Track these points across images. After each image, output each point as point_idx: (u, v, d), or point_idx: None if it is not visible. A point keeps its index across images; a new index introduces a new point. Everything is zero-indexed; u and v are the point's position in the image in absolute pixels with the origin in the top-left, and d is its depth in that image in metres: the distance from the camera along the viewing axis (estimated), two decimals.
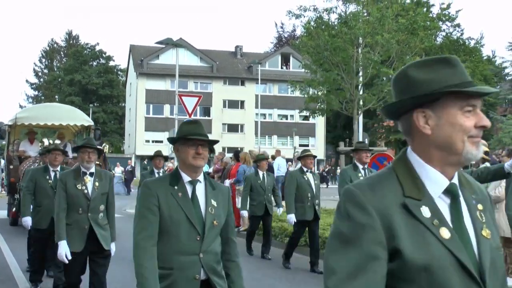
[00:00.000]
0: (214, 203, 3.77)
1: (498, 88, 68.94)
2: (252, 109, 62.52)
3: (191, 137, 3.69)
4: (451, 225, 1.75)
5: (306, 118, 58.99)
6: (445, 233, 1.72)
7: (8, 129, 18.01)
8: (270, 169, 17.38)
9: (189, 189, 3.75)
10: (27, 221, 8.56)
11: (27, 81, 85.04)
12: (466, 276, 1.70)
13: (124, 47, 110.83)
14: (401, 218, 1.71)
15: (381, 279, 1.67)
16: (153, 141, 60.50)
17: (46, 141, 20.29)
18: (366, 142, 24.72)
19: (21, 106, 73.40)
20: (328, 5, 20.68)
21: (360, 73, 20.30)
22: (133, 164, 56.96)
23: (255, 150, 18.23)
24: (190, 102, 20.24)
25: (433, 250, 1.69)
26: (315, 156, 11.07)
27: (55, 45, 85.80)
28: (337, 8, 20.47)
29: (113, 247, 6.59)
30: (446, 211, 1.78)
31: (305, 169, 10.47)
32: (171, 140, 3.90)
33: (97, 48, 78.49)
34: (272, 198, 12.17)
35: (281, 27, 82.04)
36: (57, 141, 17.37)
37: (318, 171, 47.29)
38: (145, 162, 50.87)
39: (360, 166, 8.83)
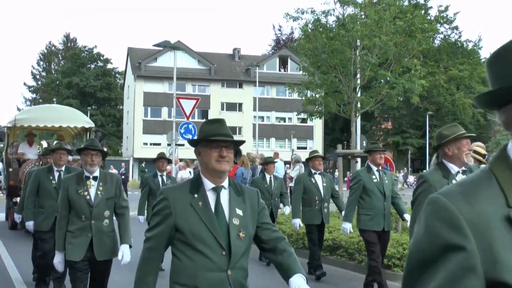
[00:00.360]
0: (239, 212, 3.32)
1: None
2: (250, 112, 62.53)
3: (214, 138, 3.29)
4: None
5: (304, 120, 59.07)
6: None
7: (7, 131, 17.67)
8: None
9: (212, 197, 3.32)
10: (30, 225, 8.25)
11: (25, 83, 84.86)
12: None
13: (122, 49, 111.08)
14: (506, 237, 1.28)
15: None
16: (151, 144, 60.51)
17: (44, 143, 20.08)
18: (364, 144, 24.74)
19: (19, 109, 73.20)
20: (326, 8, 20.70)
21: (358, 76, 20.29)
22: (130, 167, 57.00)
23: (253, 153, 18.20)
24: (188, 105, 20.26)
25: None
26: (324, 157, 10.85)
27: (53, 47, 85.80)
28: (334, 10, 20.49)
29: (125, 250, 6.06)
30: None
31: (313, 171, 10.08)
32: (192, 142, 3.47)
33: (95, 50, 78.48)
34: (280, 203, 11.92)
35: (279, 30, 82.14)
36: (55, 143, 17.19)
37: None
38: (143, 165, 50.90)
39: (374, 168, 8.34)
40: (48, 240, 7.92)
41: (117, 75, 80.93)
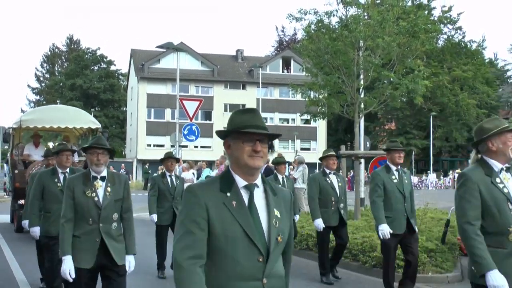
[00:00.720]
0: (277, 213, 2.97)
1: (500, 91, 68.96)
2: None
3: (248, 130, 2.93)
4: None
5: (307, 121, 58.99)
6: None
7: (12, 132, 17.47)
8: (271, 172, 17.38)
9: (245, 196, 2.95)
10: (35, 231, 7.76)
11: (28, 85, 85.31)
12: None
13: (125, 51, 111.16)
14: None
15: None
16: (154, 145, 60.55)
17: (51, 145, 19.85)
18: (368, 145, 24.72)
19: (23, 111, 73.38)
20: (329, 9, 20.67)
21: (361, 76, 20.25)
22: (134, 168, 57.07)
23: None
24: (191, 106, 20.30)
25: None
26: (338, 156, 10.56)
27: (56, 50, 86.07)
28: (337, 11, 20.44)
29: (131, 260, 5.74)
30: None
31: (327, 171, 9.82)
32: (221, 133, 3.06)
33: (98, 52, 78.69)
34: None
35: (282, 31, 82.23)
36: None
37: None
38: (146, 167, 50.93)
39: (393, 168, 8.02)
40: (57, 245, 7.20)
41: (120, 76, 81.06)
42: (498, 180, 4.35)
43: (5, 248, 13.14)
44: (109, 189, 5.63)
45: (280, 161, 11.22)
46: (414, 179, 51.95)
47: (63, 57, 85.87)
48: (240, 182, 2.96)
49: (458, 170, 54.72)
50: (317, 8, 20.70)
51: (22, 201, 15.44)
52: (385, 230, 7.74)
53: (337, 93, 21.09)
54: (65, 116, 17.43)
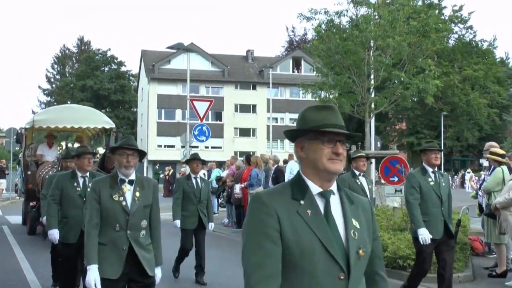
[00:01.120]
0: (356, 223, 2.57)
1: None
2: (263, 113, 62.54)
3: (330, 129, 2.54)
4: None
5: None
6: None
7: (25, 133, 17.16)
8: (282, 173, 17.35)
9: (320, 204, 2.55)
10: (54, 234, 7.40)
11: (39, 87, 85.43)
12: None
13: (135, 52, 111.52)
14: None
15: None
16: (165, 146, 60.73)
17: (64, 145, 19.57)
18: (379, 145, 24.65)
19: (34, 112, 73.57)
20: (339, 8, 20.65)
21: (372, 76, 20.22)
22: (145, 169, 57.15)
23: (266, 154, 18.21)
24: (201, 107, 20.30)
25: None
26: (368, 157, 10.07)
27: (67, 51, 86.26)
28: (348, 11, 20.43)
29: (158, 272, 5.34)
30: None
31: (357, 173, 9.53)
32: (292, 133, 2.68)
33: (109, 53, 78.84)
34: None
35: (292, 31, 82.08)
36: (76, 145, 16.62)
37: None
38: (157, 167, 51.10)
39: (430, 169, 7.54)
40: (73, 253, 7.30)
41: (131, 77, 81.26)
42: None
43: (17, 249, 13.18)
44: (137, 193, 5.21)
45: None
46: None
47: (73, 58, 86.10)
48: (314, 188, 2.57)
49: (469, 170, 54.53)
50: (328, 7, 20.67)
51: (33, 203, 15.36)
52: (425, 234, 7.29)
53: (348, 93, 21.07)
54: (78, 116, 16.99)
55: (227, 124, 63.10)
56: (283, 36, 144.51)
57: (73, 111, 18.09)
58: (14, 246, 13.72)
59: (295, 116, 65.44)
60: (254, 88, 65.40)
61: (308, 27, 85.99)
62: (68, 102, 69.32)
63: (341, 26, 20.49)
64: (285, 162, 20.51)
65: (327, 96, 22.74)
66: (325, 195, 2.55)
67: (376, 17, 20.78)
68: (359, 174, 9.51)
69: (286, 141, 64.27)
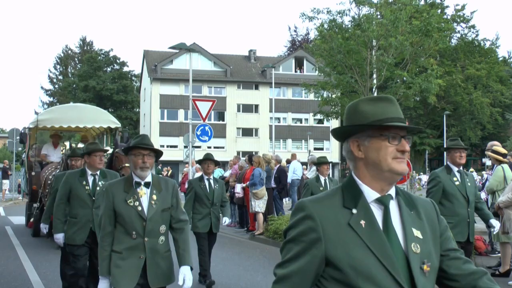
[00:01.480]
0: (417, 233, 2.18)
1: None
2: (266, 113, 62.53)
3: (395, 123, 2.17)
4: None
5: (320, 121, 59.03)
6: None
7: (29, 133, 16.82)
8: (284, 173, 17.35)
9: (377, 212, 2.17)
10: (60, 238, 7.06)
11: (42, 87, 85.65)
12: None
13: (138, 52, 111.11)
14: None
15: None
16: (167, 146, 60.68)
17: (67, 144, 19.29)
18: None
19: (36, 113, 73.70)
20: (342, 8, 20.65)
21: (374, 76, 20.23)
22: None
23: (269, 154, 18.20)
24: (204, 107, 20.29)
25: None
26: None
27: (70, 51, 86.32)
28: (350, 10, 20.45)
29: (187, 273, 4.90)
30: None
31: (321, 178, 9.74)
32: (345, 130, 2.26)
33: (111, 54, 78.96)
34: None
35: (295, 31, 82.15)
36: (80, 145, 16.52)
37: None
38: (159, 167, 51.05)
39: (455, 169, 7.18)
40: (82, 256, 6.95)
41: (133, 78, 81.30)
42: None
43: (20, 249, 13.17)
44: (154, 196, 4.84)
45: (322, 161, 10.34)
46: (425, 177, 51.74)
47: (76, 59, 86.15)
48: (370, 194, 2.19)
49: (472, 169, 54.49)
50: (330, 7, 20.70)
51: (37, 204, 15.14)
52: None
53: (350, 92, 21.09)
54: (84, 116, 16.52)
55: (230, 124, 63.08)
56: (285, 35, 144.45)
57: (78, 110, 17.63)
58: (17, 246, 13.71)
59: (298, 116, 65.48)
60: (256, 88, 65.36)
61: (311, 26, 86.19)
62: (71, 102, 69.45)
63: (344, 26, 20.52)
64: (288, 162, 20.50)
65: (330, 95, 22.74)
66: (384, 201, 2.18)
67: (379, 16, 20.80)
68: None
69: (289, 141, 64.27)
